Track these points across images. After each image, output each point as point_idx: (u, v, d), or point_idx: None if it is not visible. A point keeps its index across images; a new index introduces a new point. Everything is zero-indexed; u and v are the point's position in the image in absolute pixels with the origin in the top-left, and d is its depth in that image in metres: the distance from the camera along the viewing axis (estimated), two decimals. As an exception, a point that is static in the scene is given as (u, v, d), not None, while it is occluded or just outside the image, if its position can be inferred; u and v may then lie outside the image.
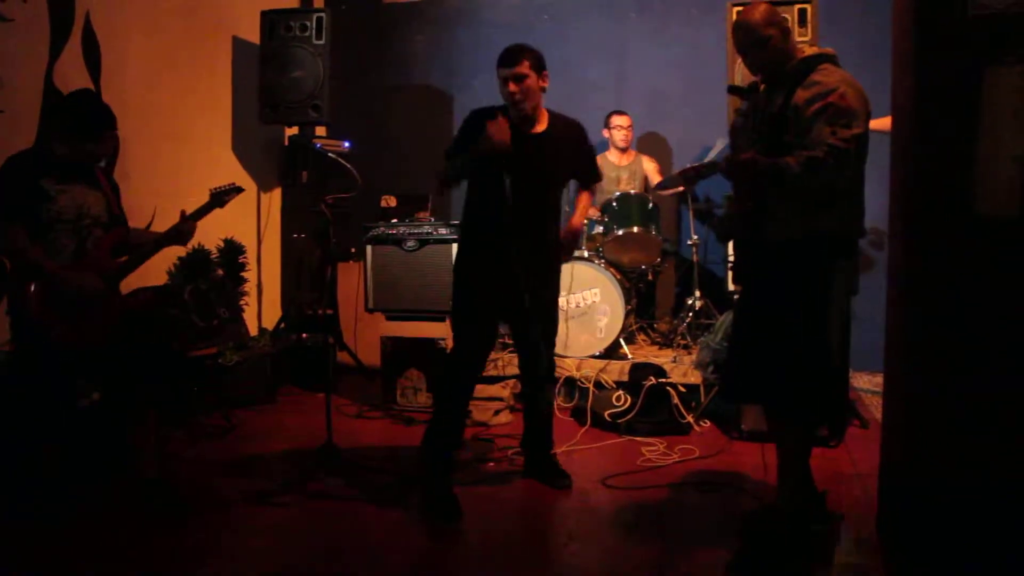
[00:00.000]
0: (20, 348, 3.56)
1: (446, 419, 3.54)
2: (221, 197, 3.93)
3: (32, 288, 3.43)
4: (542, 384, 3.79)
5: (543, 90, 3.49)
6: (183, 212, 3.79)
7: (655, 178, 6.24)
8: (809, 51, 2.95)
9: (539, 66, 3.45)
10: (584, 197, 3.82)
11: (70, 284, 3.49)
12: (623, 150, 6.23)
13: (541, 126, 3.54)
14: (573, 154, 3.65)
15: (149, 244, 3.76)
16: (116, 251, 3.75)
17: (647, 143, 6.59)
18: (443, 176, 3.57)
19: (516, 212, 3.41)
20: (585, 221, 3.82)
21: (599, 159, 6.21)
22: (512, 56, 3.40)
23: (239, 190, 4.01)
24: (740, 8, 5.27)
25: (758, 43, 2.94)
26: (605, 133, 6.25)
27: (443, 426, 3.53)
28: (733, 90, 3.19)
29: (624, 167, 6.23)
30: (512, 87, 3.38)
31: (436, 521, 3.23)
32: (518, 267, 3.40)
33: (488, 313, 3.55)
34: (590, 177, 3.82)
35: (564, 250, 3.73)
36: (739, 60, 5.22)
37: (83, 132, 3.58)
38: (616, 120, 6.20)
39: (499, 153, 3.32)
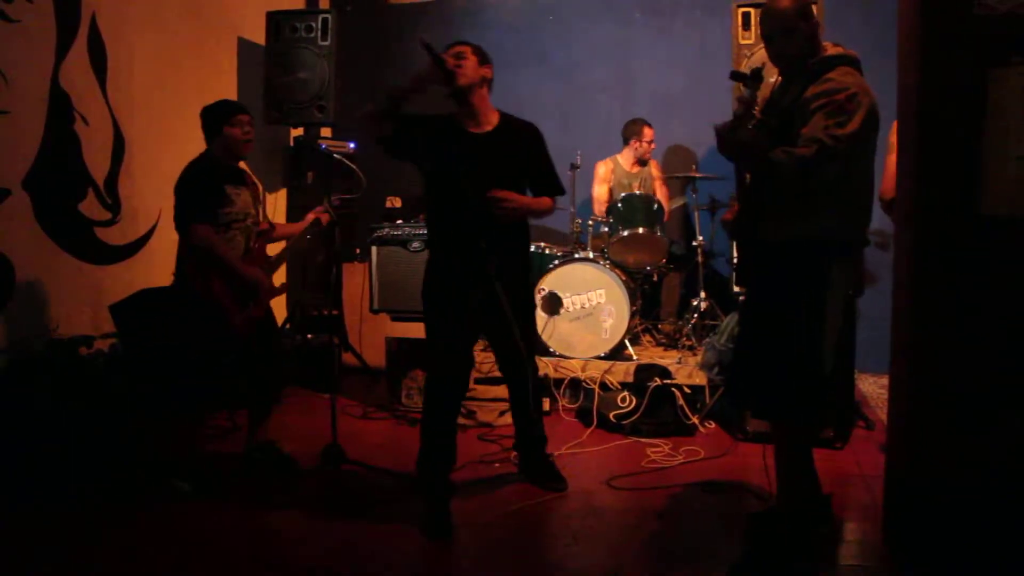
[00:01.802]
0: (201, 337, 3.76)
1: (433, 441, 3.46)
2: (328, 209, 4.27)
3: (215, 282, 3.70)
4: (525, 388, 3.72)
5: (485, 81, 3.43)
6: (318, 208, 4.19)
7: (660, 183, 6.24)
8: (833, 50, 2.91)
9: (482, 56, 3.42)
10: (544, 198, 3.57)
11: (249, 280, 3.76)
12: (644, 162, 6.21)
13: (488, 126, 3.46)
14: (524, 158, 3.50)
15: (295, 234, 4.14)
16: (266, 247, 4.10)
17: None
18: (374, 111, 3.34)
19: (463, 218, 3.35)
20: (527, 208, 3.48)
21: (612, 162, 6.23)
22: (454, 42, 3.43)
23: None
24: (745, 9, 5.28)
25: (785, 32, 2.89)
26: (635, 143, 6.14)
27: (431, 448, 3.45)
28: (736, 76, 3.15)
29: (635, 173, 6.21)
30: (450, 59, 3.32)
31: (426, 536, 3.21)
32: (475, 275, 3.36)
33: (457, 328, 3.43)
34: (547, 186, 3.59)
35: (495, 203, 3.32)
36: (744, 61, 5.25)
37: (209, 132, 3.86)
38: (648, 132, 6.13)
39: (438, 63, 3.25)
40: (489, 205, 3.31)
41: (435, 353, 3.47)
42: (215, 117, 3.84)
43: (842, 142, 2.68)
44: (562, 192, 3.64)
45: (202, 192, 3.73)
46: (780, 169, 2.72)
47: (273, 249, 4.25)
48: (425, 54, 3.25)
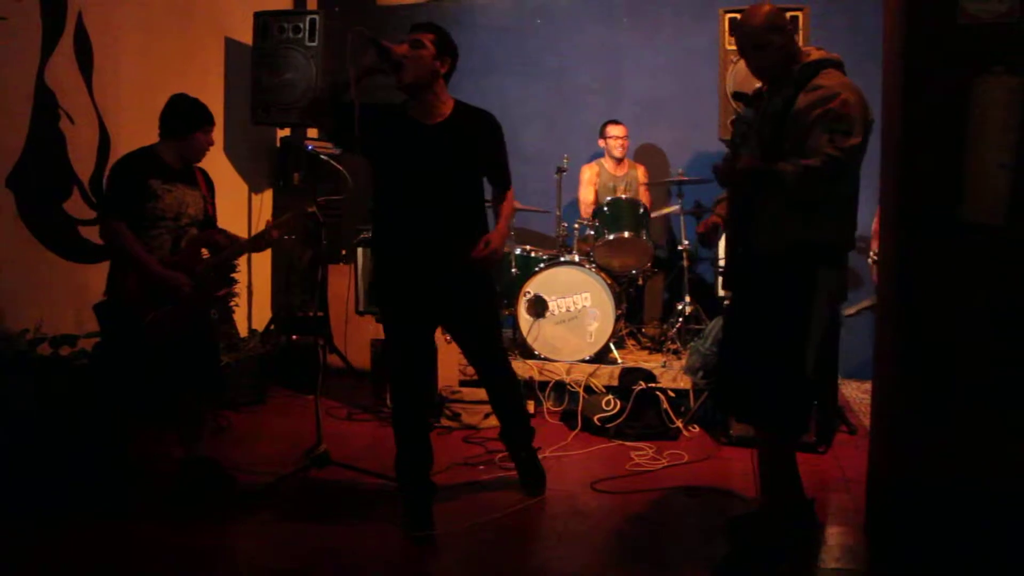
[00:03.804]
0: (113, 337, 3.71)
1: (405, 441, 3.41)
2: (304, 208, 4.07)
3: (131, 279, 3.58)
4: (500, 387, 3.70)
5: (440, 75, 3.28)
6: (268, 222, 3.93)
7: (645, 188, 6.26)
8: (815, 55, 2.92)
9: (443, 47, 3.27)
10: (504, 206, 3.51)
11: (162, 279, 3.60)
12: (619, 160, 6.24)
13: (440, 117, 3.33)
14: (477, 148, 3.36)
15: (235, 247, 3.91)
16: (202, 250, 3.91)
17: (640, 150, 6.60)
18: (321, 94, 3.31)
19: (416, 212, 3.27)
20: (507, 233, 3.47)
21: (597, 165, 6.26)
22: (421, 24, 3.32)
23: (313, 216, 4.14)
24: (732, 15, 5.29)
25: (758, 47, 2.91)
26: (601, 143, 6.23)
27: (405, 449, 3.41)
28: (738, 97, 3.18)
29: (620, 176, 6.23)
30: (404, 48, 3.20)
31: (407, 537, 3.21)
32: (423, 274, 3.31)
33: (413, 324, 3.36)
34: (497, 178, 3.50)
35: (477, 264, 3.29)
36: (731, 67, 5.27)
37: (174, 130, 3.70)
38: (612, 130, 6.18)
39: (381, 54, 3.14)
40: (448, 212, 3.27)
41: (393, 352, 3.42)
42: (190, 119, 3.69)
43: (849, 153, 2.70)
44: (507, 186, 3.53)
45: (121, 186, 3.61)
46: (788, 182, 2.73)
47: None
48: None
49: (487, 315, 3.60)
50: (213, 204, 3.91)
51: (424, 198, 3.28)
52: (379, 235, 3.44)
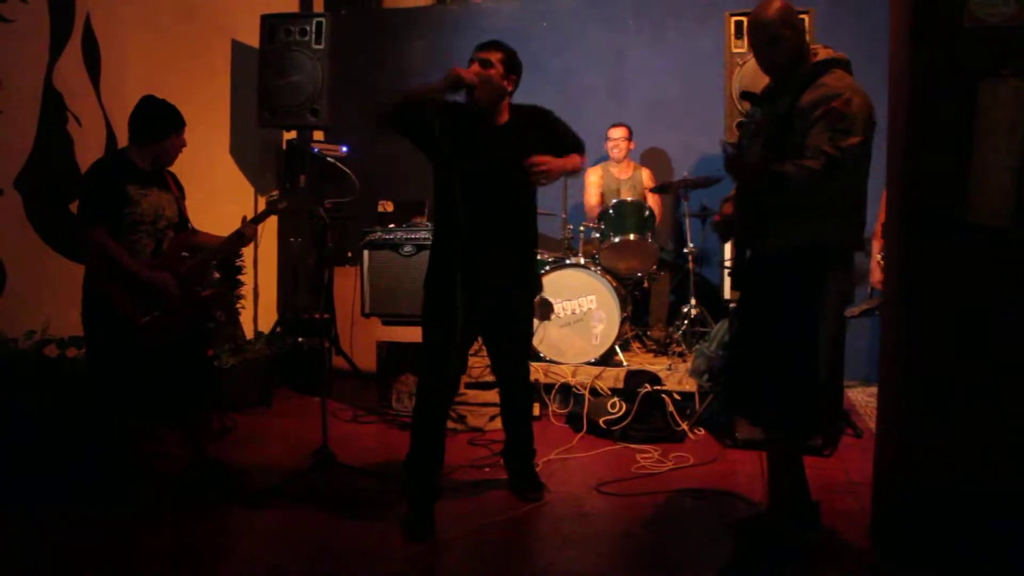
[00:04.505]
0: (99, 344, 3.67)
1: (423, 443, 3.43)
2: (275, 204, 4.10)
3: (116, 285, 3.56)
4: (517, 395, 3.72)
5: (507, 92, 3.40)
6: (244, 218, 3.89)
7: (651, 192, 6.26)
8: (823, 54, 2.93)
9: (510, 65, 3.37)
10: (573, 154, 3.51)
11: (151, 283, 3.59)
12: (619, 161, 6.24)
13: (502, 119, 3.42)
14: (543, 138, 3.43)
15: (214, 247, 3.90)
16: (183, 252, 3.89)
17: (644, 152, 6.60)
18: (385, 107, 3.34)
19: (476, 214, 3.27)
20: (567, 170, 3.47)
21: (601, 169, 6.26)
22: (489, 43, 3.38)
23: (284, 203, 4.16)
24: (737, 18, 5.30)
25: (770, 41, 2.92)
26: (606, 147, 6.26)
27: (421, 450, 3.43)
28: (747, 96, 3.19)
29: (625, 179, 6.24)
30: (474, 67, 3.29)
31: (408, 537, 3.21)
32: (477, 280, 3.31)
33: (455, 332, 3.34)
34: (570, 146, 3.52)
35: (532, 169, 3.30)
36: (736, 70, 5.27)
37: (147, 135, 3.67)
38: (611, 133, 6.21)
39: (457, 83, 3.19)
40: (523, 182, 3.28)
41: (430, 355, 3.44)
42: (164, 123, 3.66)
43: (849, 152, 2.71)
44: (583, 148, 3.57)
45: (99, 193, 3.58)
46: (790, 182, 2.74)
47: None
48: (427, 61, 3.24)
49: (523, 331, 3.68)
50: (184, 206, 3.89)
51: (486, 201, 3.31)
52: (437, 238, 3.48)
